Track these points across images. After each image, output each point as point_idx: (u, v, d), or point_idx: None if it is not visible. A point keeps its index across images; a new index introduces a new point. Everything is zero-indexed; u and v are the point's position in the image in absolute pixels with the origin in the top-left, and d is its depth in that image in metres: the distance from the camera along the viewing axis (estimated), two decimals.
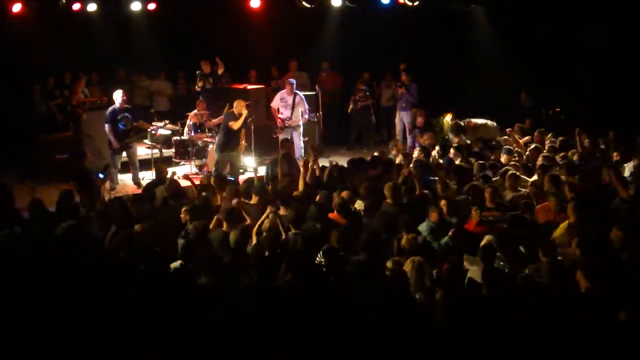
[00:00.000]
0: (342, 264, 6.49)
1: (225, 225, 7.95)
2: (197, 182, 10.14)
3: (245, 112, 12.02)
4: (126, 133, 12.17)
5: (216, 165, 12.03)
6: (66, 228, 7.07)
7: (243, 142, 12.69)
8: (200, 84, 13.86)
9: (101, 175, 10.94)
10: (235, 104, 12.13)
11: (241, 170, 13.15)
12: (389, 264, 6.43)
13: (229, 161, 12.11)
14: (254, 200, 8.98)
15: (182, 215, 8.29)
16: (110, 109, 12.23)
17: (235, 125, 11.96)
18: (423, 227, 7.83)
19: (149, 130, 12.96)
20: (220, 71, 13.90)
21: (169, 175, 9.88)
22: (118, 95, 12.21)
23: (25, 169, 12.74)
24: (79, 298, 5.44)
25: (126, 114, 12.17)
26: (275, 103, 13.36)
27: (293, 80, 13.48)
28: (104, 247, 7.08)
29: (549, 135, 12.28)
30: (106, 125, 12.11)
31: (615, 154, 10.87)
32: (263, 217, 7.95)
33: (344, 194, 8.71)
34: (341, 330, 5.17)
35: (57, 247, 6.70)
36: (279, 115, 13.24)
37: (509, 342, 5.02)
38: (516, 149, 11.53)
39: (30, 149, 13.05)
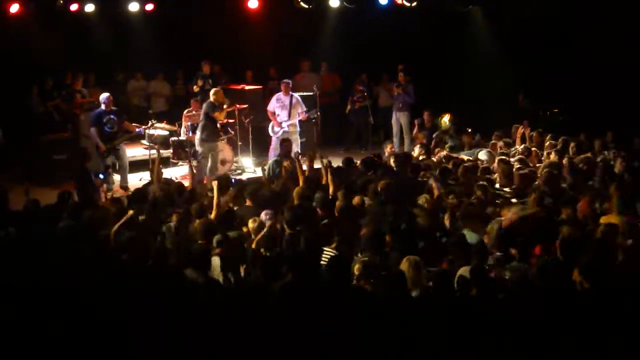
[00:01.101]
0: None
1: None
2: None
3: (227, 101, 12.09)
4: (113, 135, 11.98)
5: (200, 159, 12.08)
6: (64, 228, 7.06)
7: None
8: (199, 83, 13.86)
9: (101, 176, 10.98)
10: (211, 93, 12.24)
11: (239, 171, 13.19)
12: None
13: (209, 154, 12.17)
14: (249, 203, 8.98)
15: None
16: (95, 111, 12.12)
17: (221, 115, 12.12)
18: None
19: (136, 131, 12.77)
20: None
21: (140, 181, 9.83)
22: (104, 98, 12.08)
23: (23, 170, 12.77)
24: (77, 299, 5.44)
25: (112, 116, 11.98)
26: (272, 106, 13.17)
27: (289, 81, 13.40)
28: (102, 248, 7.03)
29: (548, 137, 12.30)
30: (92, 129, 11.97)
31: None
32: (268, 225, 7.90)
33: (356, 199, 8.69)
34: (341, 329, 5.17)
35: (55, 248, 6.68)
36: (277, 119, 13.11)
37: (502, 342, 5.01)
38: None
39: (28, 150, 13.03)
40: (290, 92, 13.17)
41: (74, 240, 6.94)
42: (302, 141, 13.30)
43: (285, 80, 13.35)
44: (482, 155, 11.62)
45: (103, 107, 12.02)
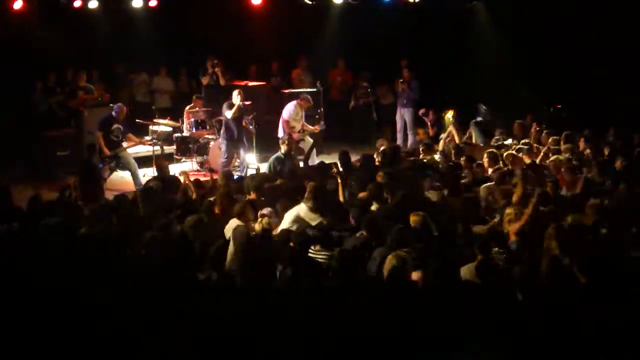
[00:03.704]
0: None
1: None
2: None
3: (237, 102, 12.13)
4: (116, 144, 11.85)
5: (225, 158, 12.28)
6: (51, 225, 7.06)
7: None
8: (206, 80, 13.85)
9: (101, 165, 11.03)
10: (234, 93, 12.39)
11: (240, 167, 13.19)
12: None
13: (235, 153, 12.40)
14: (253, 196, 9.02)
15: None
16: (104, 116, 11.99)
17: (229, 114, 12.14)
18: None
19: (139, 142, 12.72)
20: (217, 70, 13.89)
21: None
22: (117, 108, 11.96)
23: (27, 166, 12.81)
24: (74, 295, 5.45)
25: (119, 127, 11.89)
26: (288, 115, 12.94)
27: (309, 97, 13.34)
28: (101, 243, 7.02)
29: (545, 132, 12.33)
30: (97, 132, 11.80)
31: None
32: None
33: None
34: (341, 326, 5.17)
35: (42, 244, 6.69)
36: (293, 129, 12.90)
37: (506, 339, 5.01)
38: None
39: (32, 146, 13.05)
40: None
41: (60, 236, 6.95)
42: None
43: (307, 97, 13.25)
44: None
45: (114, 114, 11.91)
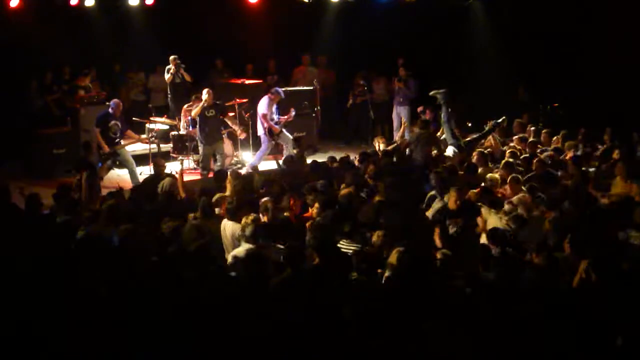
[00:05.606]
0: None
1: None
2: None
3: (201, 101, 12.15)
4: (114, 141, 11.90)
5: (202, 159, 12.28)
6: (60, 224, 7.06)
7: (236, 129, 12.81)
8: (170, 78, 13.75)
9: (100, 164, 11.02)
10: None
11: (239, 165, 13.16)
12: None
13: (211, 153, 12.36)
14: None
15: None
16: (102, 113, 12.07)
17: (192, 112, 12.23)
18: None
19: (138, 138, 12.74)
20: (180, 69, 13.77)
21: None
22: (113, 104, 12.06)
23: (24, 164, 12.78)
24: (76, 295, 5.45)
25: (117, 123, 11.94)
26: (267, 110, 12.87)
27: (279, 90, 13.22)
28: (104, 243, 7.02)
29: (545, 131, 12.34)
30: (95, 129, 11.90)
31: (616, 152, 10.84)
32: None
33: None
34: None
35: (52, 243, 6.68)
36: (273, 123, 12.89)
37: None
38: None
39: (28, 144, 13.01)
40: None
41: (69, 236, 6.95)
42: (302, 135, 13.27)
43: (277, 90, 13.11)
44: (449, 150, 11.65)
45: (110, 110, 11.98)
